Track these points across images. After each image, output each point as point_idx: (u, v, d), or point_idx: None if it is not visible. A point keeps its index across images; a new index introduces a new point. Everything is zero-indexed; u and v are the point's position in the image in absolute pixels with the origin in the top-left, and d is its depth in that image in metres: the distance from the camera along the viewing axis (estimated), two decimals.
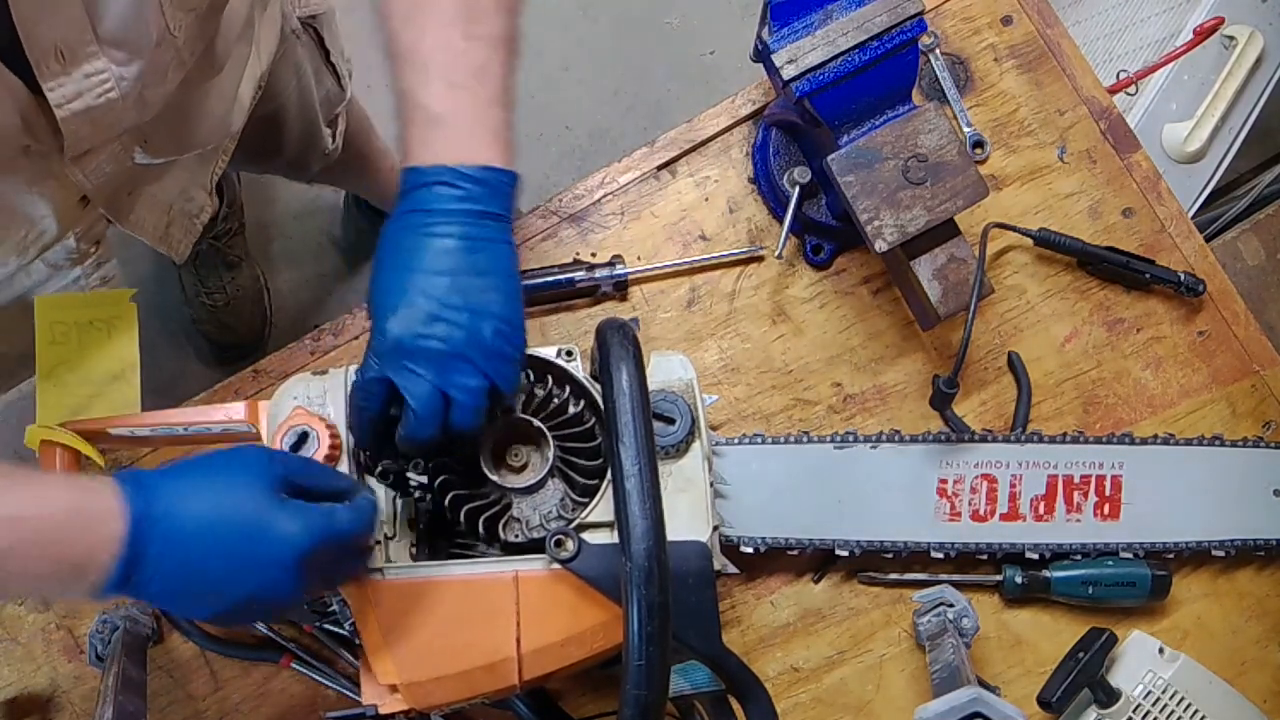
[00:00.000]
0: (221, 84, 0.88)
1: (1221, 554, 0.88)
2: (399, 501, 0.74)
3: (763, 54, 0.81)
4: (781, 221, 0.89)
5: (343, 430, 0.71)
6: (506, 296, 0.64)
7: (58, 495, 0.55)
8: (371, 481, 0.73)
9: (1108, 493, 0.86)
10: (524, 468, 0.75)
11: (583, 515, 0.70)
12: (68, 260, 0.86)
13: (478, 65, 0.64)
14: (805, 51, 0.79)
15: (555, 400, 0.75)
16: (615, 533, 0.64)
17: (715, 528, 0.72)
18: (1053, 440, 0.87)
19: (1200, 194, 1.41)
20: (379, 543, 0.70)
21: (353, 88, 1.23)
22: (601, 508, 0.70)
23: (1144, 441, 0.88)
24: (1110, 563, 0.86)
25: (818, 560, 0.89)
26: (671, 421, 0.74)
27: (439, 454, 0.69)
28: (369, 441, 0.68)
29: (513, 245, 0.65)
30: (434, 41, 0.64)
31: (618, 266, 0.91)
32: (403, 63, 0.65)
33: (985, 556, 0.87)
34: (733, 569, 0.76)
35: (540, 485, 0.74)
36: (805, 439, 0.86)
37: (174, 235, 0.97)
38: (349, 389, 0.71)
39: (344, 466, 0.71)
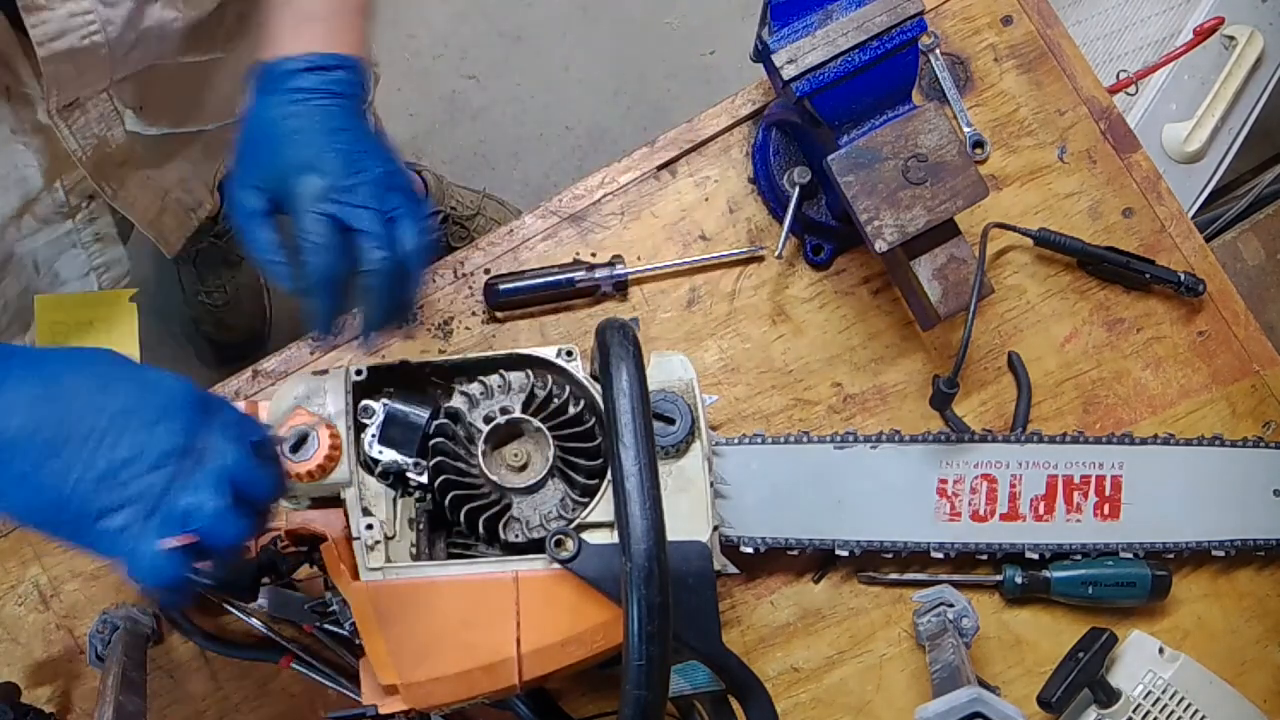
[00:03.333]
0: (234, 62, 0.87)
1: (1221, 554, 0.88)
2: (399, 501, 0.74)
3: (763, 54, 0.81)
4: (781, 221, 0.89)
5: (343, 430, 0.71)
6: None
7: None
8: (371, 481, 0.73)
9: (1108, 493, 0.86)
10: (524, 468, 0.74)
11: (583, 515, 0.70)
12: (57, 214, 0.86)
13: None
14: (805, 51, 0.79)
15: (555, 400, 0.75)
16: (615, 533, 0.64)
17: (715, 528, 0.72)
18: (1053, 440, 0.87)
19: (1200, 194, 1.41)
20: (379, 542, 0.70)
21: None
22: (601, 508, 0.70)
23: (1144, 441, 0.88)
24: (1110, 563, 0.86)
25: (818, 560, 0.89)
26: (671, 421, 0.74)
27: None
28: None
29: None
30: None
31: (618, 266, 0.91)
32: None
33: (985, 556, 0.87)
34: (733, 569, 0.76)
35: (540, 485, 0.74)
36: (805, 439, 0.86)
37: (166, 224, 0.97)
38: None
39: (345, 465, 0.71)
